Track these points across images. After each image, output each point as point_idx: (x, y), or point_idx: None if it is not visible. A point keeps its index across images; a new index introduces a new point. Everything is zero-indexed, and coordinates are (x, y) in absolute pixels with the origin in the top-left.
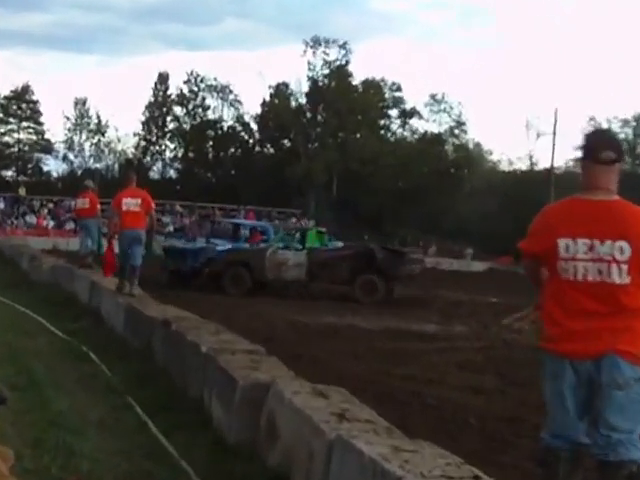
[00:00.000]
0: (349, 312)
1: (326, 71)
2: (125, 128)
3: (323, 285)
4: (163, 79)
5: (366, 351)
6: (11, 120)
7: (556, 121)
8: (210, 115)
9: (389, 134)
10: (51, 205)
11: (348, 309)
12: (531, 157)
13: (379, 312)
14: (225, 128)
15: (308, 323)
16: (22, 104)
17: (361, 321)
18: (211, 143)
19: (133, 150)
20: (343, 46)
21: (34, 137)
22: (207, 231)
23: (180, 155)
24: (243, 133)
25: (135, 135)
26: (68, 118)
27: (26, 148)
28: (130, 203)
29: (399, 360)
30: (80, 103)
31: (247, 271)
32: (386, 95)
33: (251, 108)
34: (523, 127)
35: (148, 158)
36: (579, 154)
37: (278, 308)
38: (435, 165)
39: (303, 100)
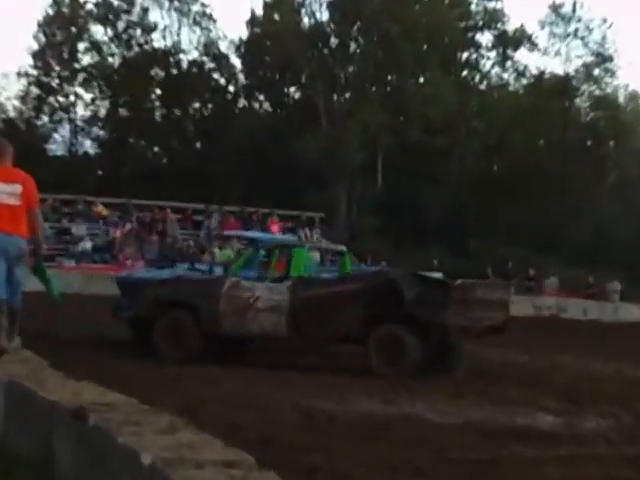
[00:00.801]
0: (401, 393)
1: None
2: (3, 64)
3: (315, 342)
4: None
5: (434, 463)
6: None
7: None
8: (157, 42)
9: (477, 78)
10: None
11: (400, 388)
12: None
13: (453, 393)
14: (185, 65)
15: (331, 412)
16: None
17: (424, 409)
18: (159, 92)
19: (17, 103)
20: None
21: None
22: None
23: (104, 114)
24: (217, 75)
25: (21, 77)
26: None
27: None
28: (1, 192)
29: (493, 477)
30: None
31: (192, 317)
32: (472, 7)
33: (231, 30)
34: None
35: (45, 118)
36: None
37: (279, 383)
38: (558, 134)
39: (324, 16)
